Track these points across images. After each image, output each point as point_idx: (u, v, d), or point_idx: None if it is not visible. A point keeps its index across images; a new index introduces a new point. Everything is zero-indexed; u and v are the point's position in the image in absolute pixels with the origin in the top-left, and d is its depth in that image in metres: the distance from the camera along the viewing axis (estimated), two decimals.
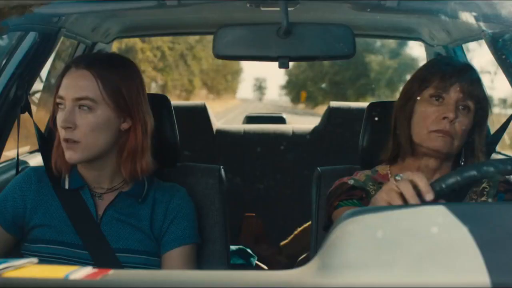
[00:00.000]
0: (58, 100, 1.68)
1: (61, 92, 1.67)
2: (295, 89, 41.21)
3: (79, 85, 1.66)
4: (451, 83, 1.70)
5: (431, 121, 1.69)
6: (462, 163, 1.76)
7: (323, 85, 32.91)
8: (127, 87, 1.70)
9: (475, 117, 1.72)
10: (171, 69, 25.60)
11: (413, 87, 1.76)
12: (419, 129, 1.71)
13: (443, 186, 1.37)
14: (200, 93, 30.46)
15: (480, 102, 1.72)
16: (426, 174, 1.75)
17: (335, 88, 31.40)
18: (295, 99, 41.53)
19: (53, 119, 1.73)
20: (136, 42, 21.86)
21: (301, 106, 39.13)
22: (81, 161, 1.68)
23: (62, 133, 1.66)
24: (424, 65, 1.81)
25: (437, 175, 1.74)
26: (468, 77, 1.73)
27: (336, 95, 30.49)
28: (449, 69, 1.73)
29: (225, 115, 22.57)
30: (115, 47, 3.23)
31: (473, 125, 1.72)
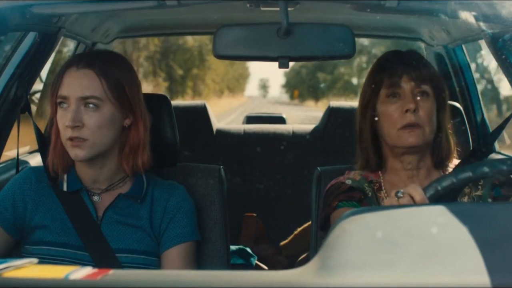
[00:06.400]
0: (60, 100, 1.68)
1: (64, 91, 1.67)
2: (292, 88, 58.28)
3: (83, 84, 1.66)
4: (399, 76, 1.71)
5: (396, 119, 1.70)
6: (436, 146, 1.77)
7: (305, 87, 52.54)
8: (129, 84, 1.72)
9: (436, 98, 1.73)
10: (220, 81, 43.58)
11: (368, 92, 1.77)
12: (388, 130, 1.73)
13: (439, 188, 1.38)
14: (225, 93, 48.84)
15: (434, 82, 1.74)
16: (412, 169, 1.77)
17: (312, 89, 49.99)
18: (293, 96, 57.20)
19: (51, 120, 1.72)
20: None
21: (296, 101, 54.53)
22: (87, 158, 1.68)
23: (67, 132, 1.65)
24: (371, 69, 1.82)
25: (423, 169, 1.77)
26: (413, 62, 1.74)
27: (314, 94, 49.72)
28: (393, 64, 1.74)
29: (240, 107, 32.66)
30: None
31: (436, 107, 1.73)
